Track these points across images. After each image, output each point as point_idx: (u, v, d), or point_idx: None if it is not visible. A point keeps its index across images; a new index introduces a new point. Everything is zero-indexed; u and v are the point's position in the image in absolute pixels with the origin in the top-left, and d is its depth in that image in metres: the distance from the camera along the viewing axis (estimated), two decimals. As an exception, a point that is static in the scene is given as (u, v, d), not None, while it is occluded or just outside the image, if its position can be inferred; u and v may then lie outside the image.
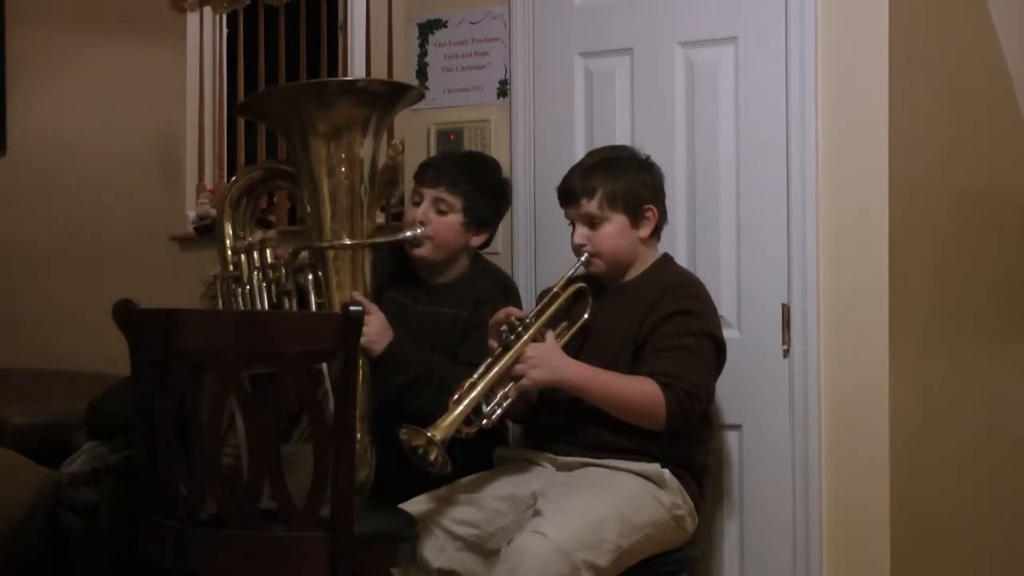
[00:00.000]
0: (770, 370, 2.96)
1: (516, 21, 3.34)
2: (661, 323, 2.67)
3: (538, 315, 2.67)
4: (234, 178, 2.92)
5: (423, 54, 3.50)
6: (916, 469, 2.98)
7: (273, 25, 4.61)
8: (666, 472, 2.66)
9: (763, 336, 2.97)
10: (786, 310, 2.96)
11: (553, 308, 2.70)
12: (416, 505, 2.63)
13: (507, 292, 2.98)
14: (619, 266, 2.77)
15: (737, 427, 3.02)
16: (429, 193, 2.90)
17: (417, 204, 2.91)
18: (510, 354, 2.59)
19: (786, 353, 2.96)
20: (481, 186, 2.94)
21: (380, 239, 2.83)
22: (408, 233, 2.84)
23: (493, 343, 2.63)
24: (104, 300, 2.43)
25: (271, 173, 2.93)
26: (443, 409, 2.52)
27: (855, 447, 2.89)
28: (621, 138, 3.14)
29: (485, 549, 2.61)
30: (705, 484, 2.83)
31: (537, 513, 2.53)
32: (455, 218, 2.89)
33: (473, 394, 2.53)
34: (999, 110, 3.42)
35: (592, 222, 2.72)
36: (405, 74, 3.54)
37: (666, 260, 2.85)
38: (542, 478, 2.69)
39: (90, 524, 3.35)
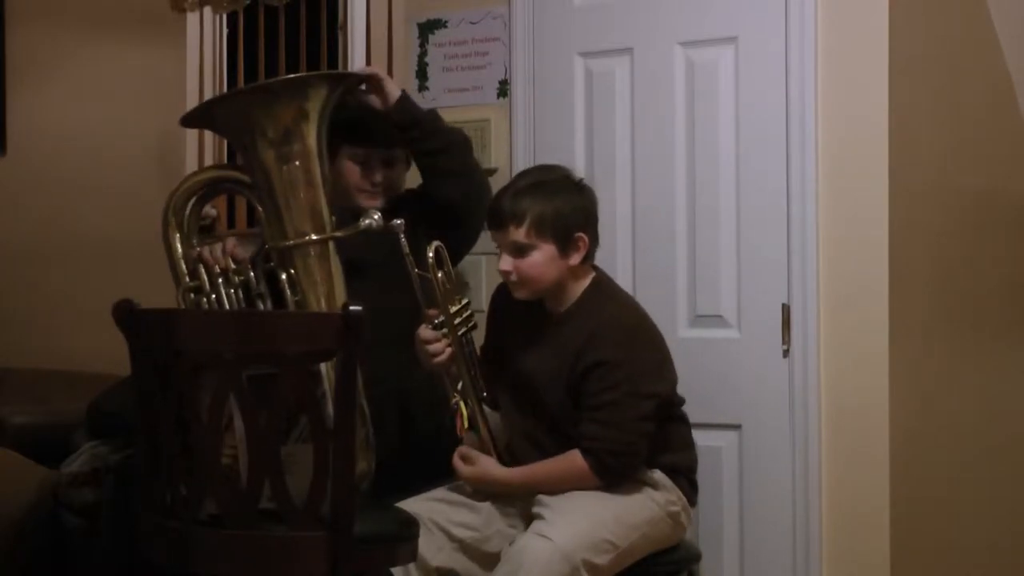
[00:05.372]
0: (770, 370, 2.96)
1: (516, 21, 3.34)
2: (586, 375, 2.60)
3: (446, 305, 2.67)
4: (177, 184, 2.81)
5: (423, 54, 3.50)
6: (916, 469, 2.98)
7: (273, 25, 4.62)
8: (656, 472, 2.67)
9: (763, 336, 2.97)
10: (786, 310, 2.96)
11: (441, 288, 2.66)
12: (415, 504, 2.63)
13: None
14: (544, 292, 2.69)
15: (737, 427, 3.02)
16: (379, 155, 2.95)
17: (364, 164, 2.94)
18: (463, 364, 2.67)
19: (786, 353, 2.96)
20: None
21: (342, 231, 2.76)
22: (366, 221, 2.70)
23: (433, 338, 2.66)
24: (104, 300, 2.43)
25: (218, 178, 2.83)
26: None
27: (855, 447, 2.89)
28: (621, 138, 3.14)
29: (481, 551, 2.63)
30: (696, 480, 2.82)
31: (538, 516, 2.53)
32: (403, 167, 3.00)
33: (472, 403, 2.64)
34: (999, 110, 3.42)
35: (519, 249, 2.62)
36: (405, 74, 3.54)
37: (597, 286, 2.71)
38: None
39: (90, 524, 3.35)
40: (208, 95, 4.65)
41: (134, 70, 4.68)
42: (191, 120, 3.10)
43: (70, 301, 4.61)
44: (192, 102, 4.63)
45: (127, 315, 2.37)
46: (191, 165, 4.64)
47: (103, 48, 4.75)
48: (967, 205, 3.30)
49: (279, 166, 2.64)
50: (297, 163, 2.64)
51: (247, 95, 2.83)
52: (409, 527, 2.50)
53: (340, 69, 4.52)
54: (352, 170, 2.95)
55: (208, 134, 4.66)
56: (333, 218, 2.71)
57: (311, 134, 2.66)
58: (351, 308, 2.22)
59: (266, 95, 2.65)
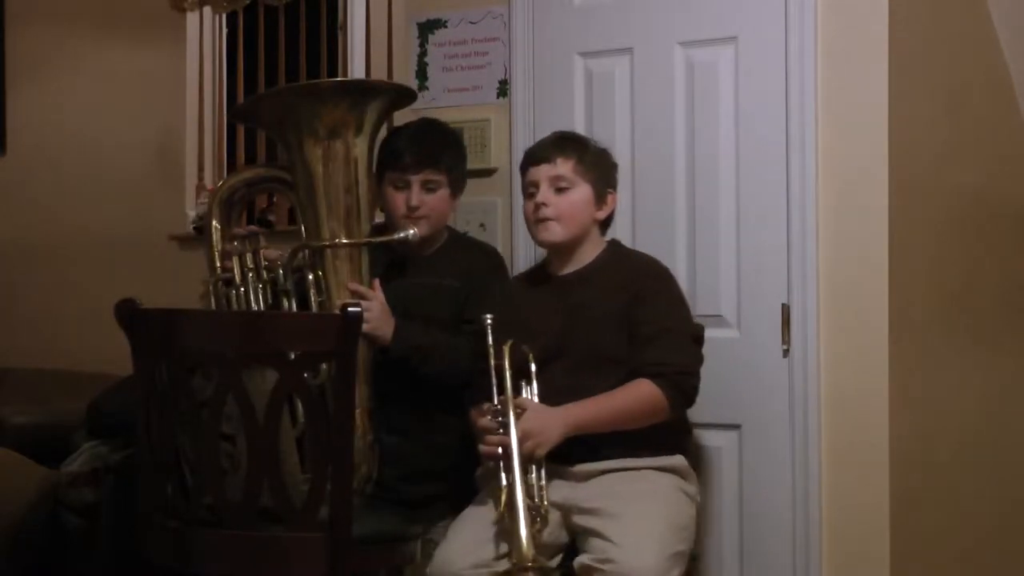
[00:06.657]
0: (770, 370, 2.96)
1: (516, 21, 3.34)
2: (639, 306, 2.66)
3: (501, 391, 2.57)
4: (223, 179, 2.91)
5: (423, 54, 3.50)
6: (916, 468, 2.98)
7: (273, 25, 4.62)
8: (678, 458, 2.69)
9: (763, 336, 2.97)
10: (786, 310, 2.96)
11: (508, 377, 2.58)
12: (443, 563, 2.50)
13: (492, 259, 3.05)
14: (571, 238, 2.75)
15: (737, 427, 3.02)
16: (416, 178, 2.88)
17: (400, 189, 2.90)
18: (515, 447, 2.49)
19: (786, 353, 2.96)
20: (456, 153, 2.99)
21: (377, 238, 2.82)
22: (401, 234, 2.79)
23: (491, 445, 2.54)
24: (104, 300, 2.43)
25: (263, 177, 2.92)
26: (452, 372, 2.74)
27: (855, 446, 2.89)
28: (621, 138, 3.14)
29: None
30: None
31: (597, 535, 2.47)
32: (444, 192, 2.93)
33: (519, 502, 2.44)
34: (999, 110, 3.42)
35: (559, 187, 2.72)
36: (405, 74, 3.54)
37: (617, 244, 2.86)
38: (561, 491, 2.60)
39: (90, 524, 3.36)
40: (208, 95, 4.65)
41: (134, 70, 4.68)
42: (238, 114, 3.14)
43: (70, 301, 4.62)
44: (192, 102, 4.64)
45: (129, 315, 2.37)
46: (191, 165, 4.65)
47: (103, 48, 4.75)
48: (967, 205, 3.30)
49: (321, 167, 2.67)
50: (339, 166, 2.67)
51: (297, 94, 2.85)
52: (409, 527, 2.51)
53: (341, 69, 4.53)
54: (393, 196, 2.92)
55: (208, 135, 4.66)
56: (370, 226, 2.75)
57: (357, 140, 2.69)
58: (350, 309, 2.22)
59: (317, 96, 2.68)
